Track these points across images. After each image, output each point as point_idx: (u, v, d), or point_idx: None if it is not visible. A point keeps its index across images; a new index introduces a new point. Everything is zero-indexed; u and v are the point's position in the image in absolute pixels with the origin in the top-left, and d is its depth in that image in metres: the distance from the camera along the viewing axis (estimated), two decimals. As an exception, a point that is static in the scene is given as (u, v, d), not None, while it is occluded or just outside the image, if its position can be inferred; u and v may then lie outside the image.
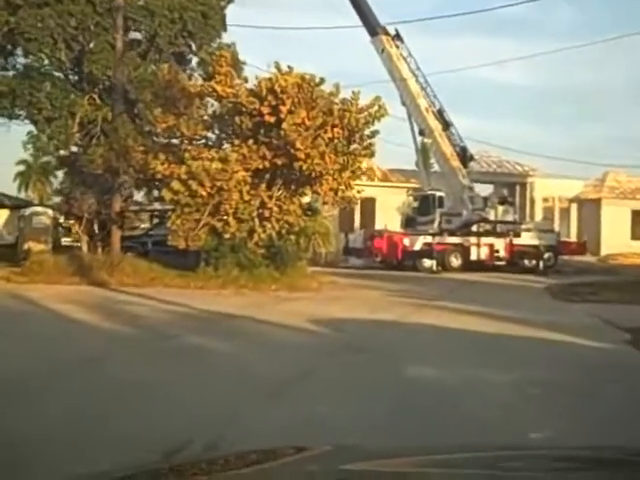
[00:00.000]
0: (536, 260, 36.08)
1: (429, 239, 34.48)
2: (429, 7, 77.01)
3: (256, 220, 23.62)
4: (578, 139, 60.71)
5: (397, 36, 35.44)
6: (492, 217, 36.34)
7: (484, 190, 41.06)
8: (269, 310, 17.51)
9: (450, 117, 35.94)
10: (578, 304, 21.84)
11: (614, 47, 79.39)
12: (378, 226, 40.70)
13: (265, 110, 22.16)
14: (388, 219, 39.72)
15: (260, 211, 23.44)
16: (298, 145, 21.68)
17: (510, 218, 37.38)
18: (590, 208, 48.33)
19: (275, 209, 23.47)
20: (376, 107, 23.15)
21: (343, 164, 23.45)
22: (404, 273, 32.83)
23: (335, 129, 22.71)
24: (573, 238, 45.75)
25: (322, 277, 26.07)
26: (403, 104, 35.62)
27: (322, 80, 23.08)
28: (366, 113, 23.16)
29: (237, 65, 27.35)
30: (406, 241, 34.87)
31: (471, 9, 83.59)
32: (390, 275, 31.48)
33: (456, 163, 35.69)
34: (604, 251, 45.87)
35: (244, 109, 22.54)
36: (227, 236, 23.29)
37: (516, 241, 36.44)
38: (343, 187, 24.02)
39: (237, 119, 22.63)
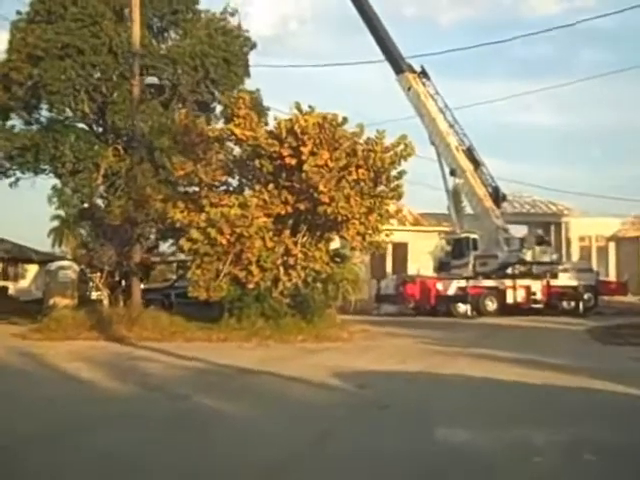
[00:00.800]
0: (575, 302, 34.38)
1: (463, 283, 32.98)
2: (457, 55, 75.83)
3: (280, 268, 22.33)
4: (607, 179, 59.18)
5: (423, 73, 34.33)
6: (529, 258, 34.71)
7: (518, 231, 39.45)
8: (292, 364, 16.11)
9: (480, 156, 34.61)
10: (622, 347, 20.28)
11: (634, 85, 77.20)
12: (410, 271, 39.31)
13: (285, 152, 20.98)
14: (421, 264, 38.37)
15: (284, 259, 22.15)
16: (321, 188, 20.43)
17: (548, 259, 35.74)
18: (629, 246, 46.46)
19: (300, 256, 22.17)
20: (402, 146, 21.88)
21: (370, 207, 22.15)
22: (438, 319, 31.38)
23: (360, 170, 21.47)
24: (612, 278, 43.84)
25: (352, 326, 24.63)
26: (432, 143, 34.40)
27: (345, 120, 21.88)
28: (392, 152, 21.88)
29: (260, 110, 26.33)
30: (439, 286, 33.37)
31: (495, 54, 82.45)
32: (424, 321, 30.02)
33: (489, 203, 34.25)
34: (645, 290, 43.91)
35: (264, 152, 21.38)
36: (250, 286, 22.01)
37: (553, 282, 34.79)
38: (370, 231, 22.68)
39: (257, 162, 21.46)
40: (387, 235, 23.93)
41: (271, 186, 21.24)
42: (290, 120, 21.42)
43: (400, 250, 41.14)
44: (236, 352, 18.26)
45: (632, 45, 80.00)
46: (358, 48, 77.16)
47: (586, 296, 34.71)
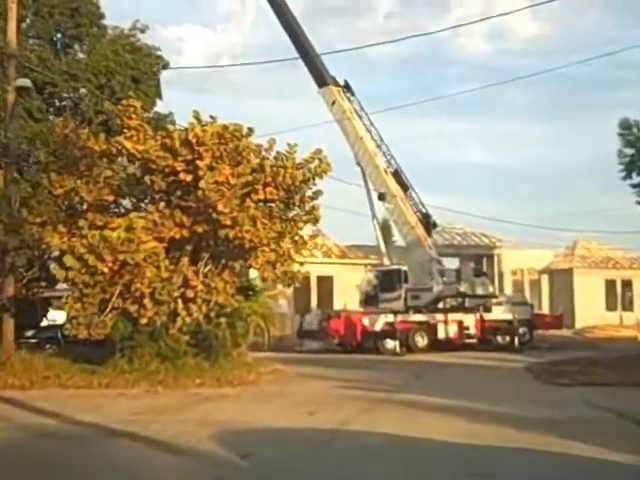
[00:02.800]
0: (510, 336, 31.27)
1: (391, 318, 29.55)
2: (388, 91, 73.80)
3: (179, 301, 18.73)
4: (540, 217, 57.52)
5: (347, 87, 31.19)
6: (468, 291, 31.60)
7: (449, 264, 36.24)
8: (173, 418, 12.53)
9: (408, 180, 31.44)
10: (569, 388, 17.28)
11: (568, 127, 77.00)
12: (337, 306, 35.87)
13: (179, 166, 17.48)
14: (347, 298, 34.88)
15: (183, 290, 18.56)
16: (220, 208, 16.95)
17: (486, 292, 32.70)
18: (562, 279, 43.80)
19: (201, 287, 18.60)
20: (316, 162, 18.59)
21: (281, 232, 18.77)
22: (364, 356, 27.95)
23: (268, 189, 18.12)
24: (545, 311, 41.04)
25: (265, 366, 21.10)
26: (358, 164, 31.16)
27: (251, 131, 18.50)
28: (305, 169, 18.57)
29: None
30: (365, 321, 29.94)
31: (428, 94, 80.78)
32: (348, 360, 26.60)
33: (421, 232, 31.08)
34: (578, 323, 41.25)
35: (155, 167, 17.82)
36: (143, 321, 18.35)
37: (487, 316, 31.64)
38: (282, 259, 19.29)
39: (147, 179, 17.87)
40: (301, 264, 20.49)
41: (162, 205, 17.66)
42: (185, 130, 17.96)
43: (325, 284, 37.80)
44: (113, 402, 14.60)
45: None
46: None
47: (521, 330, 31.61)
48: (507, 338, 31.48)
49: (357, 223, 67.85)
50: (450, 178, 67.52)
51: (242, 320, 19.92)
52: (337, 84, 30.94)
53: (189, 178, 17.49)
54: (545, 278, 44.92)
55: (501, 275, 42.13)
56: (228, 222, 17.37)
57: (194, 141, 17.32)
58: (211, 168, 17.39)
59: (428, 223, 31.38)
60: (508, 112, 77.18)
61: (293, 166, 18.32)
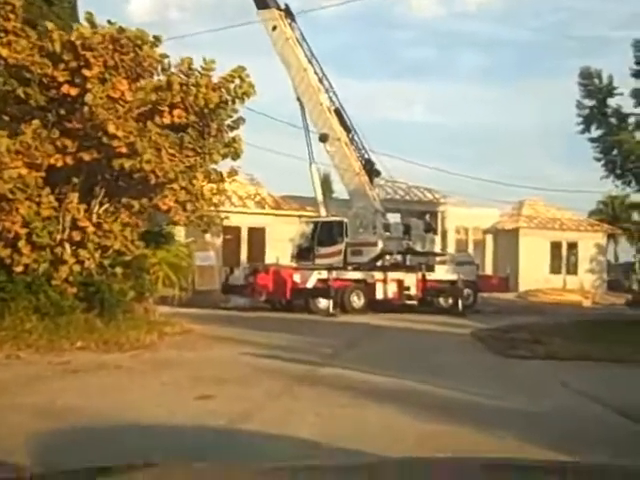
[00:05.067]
0: (453, 298, 27.92)
1: (325, 275, 25.92)
2: (334, 46, 69.84)
3: (66, 246, 14.95)
4: (481, 178, 54.85)
5: (288, 13, 27.23)
6: (419, 248, 28.17)
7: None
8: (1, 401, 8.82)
9: (350, 120, 27.70)
10: (528, 361, 14.04)
11: (515, 91, 74.62)
12: (269, 260, 32.17)
13: (61, 77, 13.53)
14: (280, 252, 31.09)
15: (69, 233, 14.77)
16: (112, 129, 13.09)
17: (436, 249, 29.31)
18: (507, 239, 40.58)
19: (92, 230, 14.83)
20: (237, 81, 14.79)
21: (192, 165, 15.01)
22: (294, 316, 24.44)
23: (175, 111, 14.26)
24: (489, 272, 37.88)
25: (175, 325, 17.44)
26: (298, 100, 27.29)
27: (157, 40, 14.58)
28: (223, 90, 14.76)
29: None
30: (296, 277, 26.31)
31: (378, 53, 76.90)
32: (274, 319, 23.06)
33: (365, 179, 27.42)
34: (522, 286, 38.26)
35: (31, 76, 13.82)
36: (19, 269, 14.56)
37: (430, 276, 28.24)
38: (194, 199, 15.55)
39: (21, 91, 13.84)
40: (216, 205, 16.79)
41: (36, 123, 13.67)
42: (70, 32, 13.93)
43: (257, 236, 33.97)
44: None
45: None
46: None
47: (466, 292, 28.30)
48: (450, 300, 28.22)
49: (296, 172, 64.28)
50: (396, 138, 64.25)
51: (143, 270, 16.15)
52: (279, 8, 26.99)
53: (74, 92, 13.54)
54: (490, 238, 41.73)
55: (444, 233, 38.72)
56: (124, 149, 13.52)
57: (79, 44, 13.35)
58: (102, 80, 13.47)
59: (371, 171, 27.77)
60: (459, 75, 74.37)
61: (208, 85, 14.48)
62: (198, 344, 15.16)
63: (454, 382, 10.60)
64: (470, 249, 39.41)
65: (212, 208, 16.98)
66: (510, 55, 74.62)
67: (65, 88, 13.51)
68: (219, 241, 33.19)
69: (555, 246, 40.94)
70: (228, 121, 15.55)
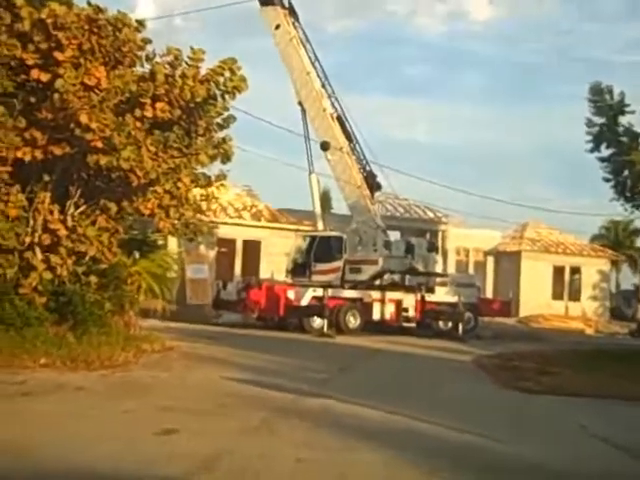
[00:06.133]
0: (454, 322, 26.24)
1: (320, 292, 24.27)
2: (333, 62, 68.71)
3: (37, 250, 13.38)
4: (479, 199, 53.42)
5: (291, 10, 25.70)
6: (421, 268, 26.54)
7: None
8: None
9: (352, 129, 26.13)
10: (537, 397, 12.47)
11: (514, 113, 73.46)
12: (264, 275, 30.54)
13: (30, 59, 11.99)
14: (276, 267, 29.41)
15: (39, 236, 13.21)
16: (84, 120, 11.57)
17: (439, 270, 27.70)
18: (509, 262, 38.92)
19: (64, 233, 13.25)
20: (227, 73, 13.25)
21: (177, 166, 13.44)
22: (287, 335, 22.84)
23: (158, 104, 12.72)
24: (489, 295, 36.16)
25: (155, 341, 15.80)
26: (299, 104, 25.69)
27: (141, 24, 13.05)
28: (212, 84, 13.21)
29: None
30: (290, 294, 24.66)
31: (378, 69, 75.66)
32: (266, 338, 21.45)
33: (367, 193, 25.81)
34: (523, 311, 36.60)
35: (-2, 59, 12.27)
36: (-19, 275, 13.00)
37: (429, 297, 26.61)
38: (176, 204, 13.97)
39: (-15, 76, 12.30)
40: (202, 212, 15.20)
41: (0, 110, 12.11)
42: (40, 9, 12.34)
43: (252, 249, 32.32)
44: None
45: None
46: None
47: (466, 316, 26.58)
48: (450, 324, 26.57)
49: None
50: (395, 156, 62.79)
51: (120, 280, 14.53)
52: (283, 6, 25.49)
53: (45, 78, 11.99)
54: (491, 260, 40.10)
55: (445, 254, 37.07)
56: (99, 144, 11.96)
57: (50, 22, 11.80)
58: (77, 66, 11.91)
59: (373, 184, 26.17)
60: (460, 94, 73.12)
61: (196, 77, 12.94)
62: (177, 364, 13.54)
63: (460, 421, 8.98)
64: (470, 271, 37.80)
65: (199, 215, 15.39)
66: (511, 75, 73.37)
67: (35, 73, 11.97)
68: (213, 253, 31.63)
69: (558, 271, 39.30)
70: (217, 119, 13.99)
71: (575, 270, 39.88)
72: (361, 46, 77.04)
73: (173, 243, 26.72)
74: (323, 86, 25.67)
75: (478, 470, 6.79)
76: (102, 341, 14.10)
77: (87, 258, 14.00)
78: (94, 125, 11.64)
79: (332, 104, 25.70)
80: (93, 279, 13.93)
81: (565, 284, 39.57)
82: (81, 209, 13.87)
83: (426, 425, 8.81)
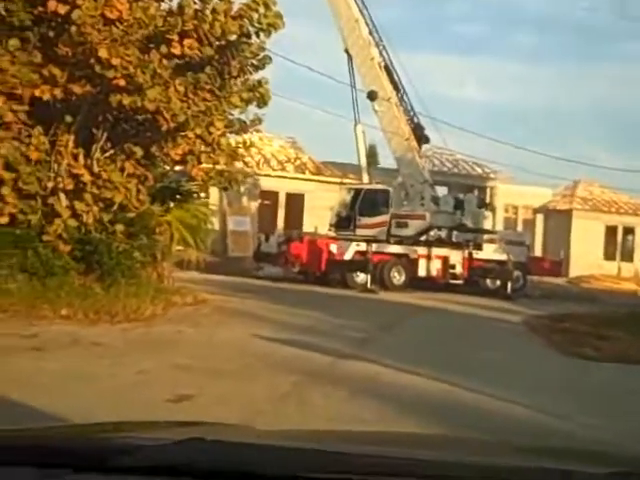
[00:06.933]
0: (502, 280, 24.93)
1: (363, 247, 23.13)
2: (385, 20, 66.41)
3: (61, 196, 12.43)
4: (529, 155, 51.32)
5: None
6: (471, 224, 25.26)
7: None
8: None
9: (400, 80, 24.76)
10: (597, 365, 11.15)
11: (570, 73, 70.67)
12: (307, 228, 29.49)
13: (46, -10, 10.89)
14: (319, 221, 28.30)
15: (63, 181, 12.24)
16: (104, 54, 10.48)
17: (488, 227, 26.39)
18: (559, 221, 37.23)
19: (89, 178, 12.27)
20: (261, 10, 12.01)
21: (208, 109, 12.31)
22: (328, 290, 21.72)
23: (187, 41, 11.55)
24: (537, 254, 34.67)
25: (187, 294, 14.85)
26: (346, 52, 24.36)
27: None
28: (245, 20, 11.99)
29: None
30: (333, 248, 23.54)
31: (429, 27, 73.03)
32: (306, 292, 20.41)
33: (415, 145, 24.48)
34: (573, 271, 35.02)
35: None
36: (3, 220, 12.11)
37: (477, 255, 25.32)
38: (209, 150, 12.87)
39: (1, 7, 11.17)
40: (240, 159, 14.09)
41: (15, 43, 11.03)
42: None
43: (296, 202, 31.25)
44: None
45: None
46: None
47: (515, 274, 25.23)
48: (498, 282, 25.28)
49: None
50: (444, 114, 60.86)
51: (147, 229, 13.54)
52: None
53: (63, 10, 10.86)
54: (540, 218, 38.47)
55: (493, 211, 35.60)
56: (121, 82, 10.86)
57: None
58: (95, -5, 10.78)
59: (421, 137, 24.80)
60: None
61: (227, 12, 11.71)
62: (206, 319, 12.58)
63: (517, 393, 7.83)
64: (519, 229, 36.30)
65: (236, 163, 14.29)
66: (565, 34, 70.48)
67: (52, 4, 10.84)
68: (255, 206, 30.65)
69: (610, 230, 37.56)
70: (253, 60, 12.81)
71: (628, 230, 38.07)
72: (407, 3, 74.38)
73: (215, 194, 25.70)
74: (371, 34, 24.28)
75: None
76: (130, 292, 13.19)
77: (115, 206, 13.01)
78: (115, 61, 10.56)
79: (380, 52, 24.32)
80: (119, 227, 12.95)
81: (618, 244, 37.83)
82: (108, 153, 12.85)
83: (474, 395, 7.69)
